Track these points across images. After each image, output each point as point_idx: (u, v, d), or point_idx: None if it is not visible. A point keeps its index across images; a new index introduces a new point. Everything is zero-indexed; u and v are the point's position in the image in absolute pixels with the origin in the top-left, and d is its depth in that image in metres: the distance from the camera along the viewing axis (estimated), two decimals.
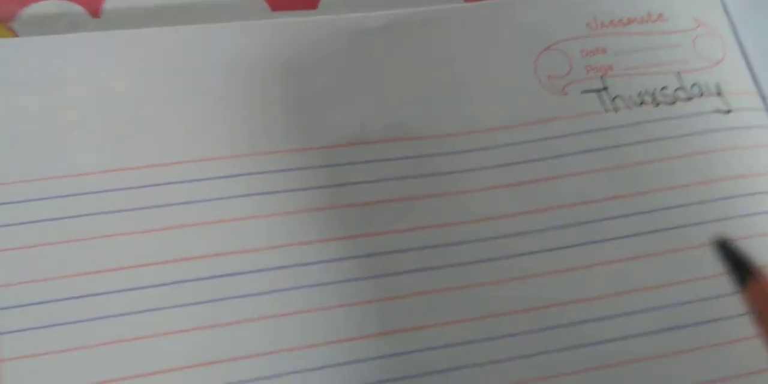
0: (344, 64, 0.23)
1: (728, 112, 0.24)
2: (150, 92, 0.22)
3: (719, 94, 0.25)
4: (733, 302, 0.21)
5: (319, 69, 0.23)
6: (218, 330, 0.20)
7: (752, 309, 0.14)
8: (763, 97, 0.25)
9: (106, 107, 0.22)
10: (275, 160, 0.22)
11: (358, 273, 0.21)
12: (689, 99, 0.24)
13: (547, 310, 0.21)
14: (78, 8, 0.24)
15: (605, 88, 0.24)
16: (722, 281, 0.21)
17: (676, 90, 0.25)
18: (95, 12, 0.24)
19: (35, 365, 0.19)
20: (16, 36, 0.23)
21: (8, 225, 0.20)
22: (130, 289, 0.20)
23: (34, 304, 0.20)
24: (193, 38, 0.23)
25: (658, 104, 0.24)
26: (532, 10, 0.25)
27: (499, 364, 0.21)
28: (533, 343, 0.21)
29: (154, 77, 0.23)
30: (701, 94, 0.25)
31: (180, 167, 0.22)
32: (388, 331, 0.20)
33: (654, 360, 0.21)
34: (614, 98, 0.24)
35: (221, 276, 0.21)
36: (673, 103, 0.24)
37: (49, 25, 0.23)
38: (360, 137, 0.23)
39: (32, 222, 0.20)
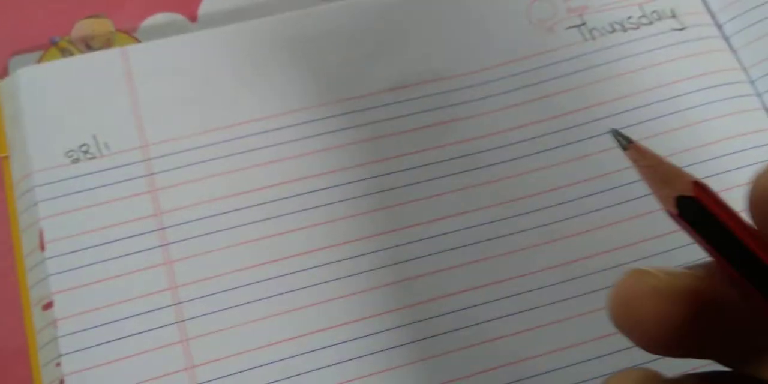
0: (379, 32, 0.31)
1: (682, 29, 0.31)
2: (244, 68, 0.30)
3: (674, 16, 0.32)
4: None
5: (362, 37, 0.31)
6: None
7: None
8: (711, 14, 0.32)
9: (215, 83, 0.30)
10: (338, 107, 0.30)
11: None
12: (650, 23, 0.31)
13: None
14: (180, 16, 0.32)
15: (584, 24, 0.31)
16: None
17: (640, 17, 0.32)
18: (193, 17, 0.32)
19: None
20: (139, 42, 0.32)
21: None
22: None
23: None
24: (269, 28, 0.31)
25: (626, 30, 0.31)
26: None
27: None
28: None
29: (242, 59, 0.30)
30: (659, 18, 0.32)
31: (285, 117, 0.30)
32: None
33: None
34: (591, 30, 0.31)
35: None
36: (638, 28, 0.31)
37: (163, 30, 0.32)
38: (399, 83, 0.30)
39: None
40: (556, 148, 0.29)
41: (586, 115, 0.29)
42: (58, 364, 0.25)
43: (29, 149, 0.28)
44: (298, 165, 0.29)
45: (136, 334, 0.26)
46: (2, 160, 0.30)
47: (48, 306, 0.26)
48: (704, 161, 0.29)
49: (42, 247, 0.27)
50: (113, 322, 0.26)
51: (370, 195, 0.28)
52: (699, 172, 0.17)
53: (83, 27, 0.33)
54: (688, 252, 0.23)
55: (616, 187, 0.28)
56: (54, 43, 0.32)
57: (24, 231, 0.28)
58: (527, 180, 0.29)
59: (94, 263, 0.26)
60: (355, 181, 0.28)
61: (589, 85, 0.30)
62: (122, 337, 0.25)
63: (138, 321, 0.26)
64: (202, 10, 0.33)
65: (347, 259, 0.27)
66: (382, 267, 0.27)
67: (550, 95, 0.30)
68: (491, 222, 0.28)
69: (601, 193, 0.28)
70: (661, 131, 0.29)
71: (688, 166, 0.29)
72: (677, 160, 0.16)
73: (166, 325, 0.26)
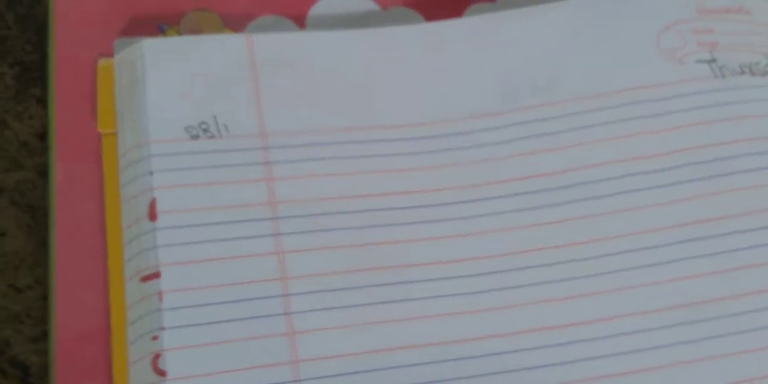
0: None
1: None
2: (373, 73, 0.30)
3: None
4: None
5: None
6: None
7: None
8: None
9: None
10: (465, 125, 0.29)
11: None
12: None
13: None
14: (287, 20, 0.32)
15: (714, 60, 0.31)
16: None
17: (766, 65, 0.31)
18: (301, 21, 0.32)
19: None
20: None
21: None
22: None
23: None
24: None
25: (754, 75, 0.31)
26: None
27: None
28: None
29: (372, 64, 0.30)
30: None
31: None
32: None
33: None
34: (721, 67, 0.31)
35: None
36: (765, 75, 0.31)
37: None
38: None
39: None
40: (678, 183, 0.28)
41: (713, 151, 0.29)
42: (155, 338, 0.24)
43: (149, 119, 0.27)
44: (413, 177, 0.28)
45: (241, 319, 0.24)
46: (103, 137, 0.29)
47: (150, 277, 0.25)
48: None
49: (152, 217, 0.26)
50: (219, 303, 0.24)
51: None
52: None
53: (191, 19, 0.32)
54: None
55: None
56: (162, 31, 0.32)
57: (126, 202, 0.27)
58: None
59: (205, 241, 0.25)
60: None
61: (720, 123, 0.30)
62: (227, 320, 0.24)
63: (246, 306, 0.24)
64: (312, 13, 0.33)
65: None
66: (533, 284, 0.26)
67: (681, 127, 0.29)
68: None
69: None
70: None
71: None
72: None
73: (273, 315, 0.24)
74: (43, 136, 0.30)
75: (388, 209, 0.27)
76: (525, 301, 0.26)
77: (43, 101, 0.31)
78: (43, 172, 0.29)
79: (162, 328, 0.24)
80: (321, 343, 0.24)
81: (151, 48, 0.29)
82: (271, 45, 0.30)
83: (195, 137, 0.27)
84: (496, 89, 0.30)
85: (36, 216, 0.29)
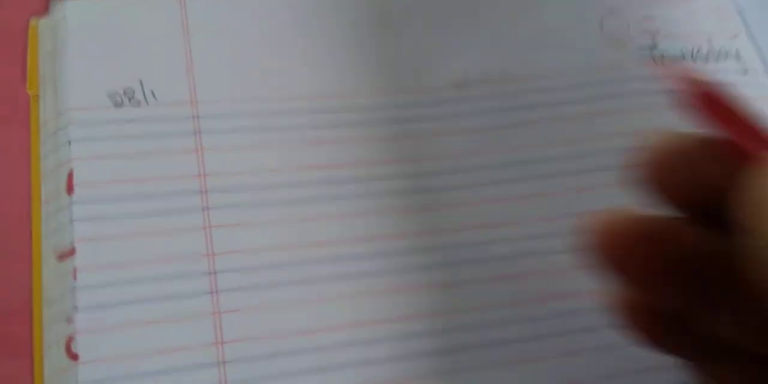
0: (450, 19, 0.30)
1: (745, 72, 0.31)
2: (310, 42, 0.28)
3: (738, 58, 0.32)
4: None
5: (430, 23, 0.30)
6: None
7: None
8: (764, 63, 0.33)
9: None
10: (400, 98, 0.28)
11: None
12: (717, 60, 0.31)
13: None
14: None
15: (655, 46, 0.31)
16: None
17: (707, 52, 0.31)
18: None
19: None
20: None
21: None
22: None
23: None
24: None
25: (695, 61, 0.31)
26: None
27: None
28: None
29: (309, 32, 0.29)
30: (726, 57, 0.31)
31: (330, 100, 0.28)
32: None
33: None
34: (662, 54, 0.31)
35: None
36: (706, 61, 0.31)
37: None
38: (463, 80, 0.29)
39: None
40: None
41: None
42: (70, 320, 0.22)
43: (68, 85, 0.25)
44: (348, 149, 0.27)
45: (163, 299, 0.23)
46: (31, 100, 0.27)
47: (67, 255, 0.23)
48: None
49: (69, 190, 0.24)
50: (139, 281, 0.23)
51: (424, 192, 0.27)
52: None
53: None
54: None
55: None
56: None
57: (47, 174, 0.25)
58: (590, 195, 0.27)
59: (126, 216, 0.24)
60: (411, 176, 0.27)
61: (660, 110, 0.29)
62: (147, 300, 0.23)
63: (168, 284, 0.23)
64: None
65: (388, 254, 0.25)
66: (427, 268, 0.25)
67: (624, 111, 0.29)
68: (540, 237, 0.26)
69: None
70: None
71: None
72: None
73: (198, 294, 0.23)
74: None
75: (319, 183, 0.26)
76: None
77: None
78: None
79: (76, 309, 0.22)
80: (247, 323, 0.23)
81: (75, 10, 0.27)
82: (207, 8, 0.28)
83: (119, 104, 0.25)
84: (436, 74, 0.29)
85: None
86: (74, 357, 0.22)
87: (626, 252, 0.16)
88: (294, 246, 0.24)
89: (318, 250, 0.25)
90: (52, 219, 0.24)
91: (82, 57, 0.26)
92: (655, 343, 0.18)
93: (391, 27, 0.29)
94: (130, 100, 0.26)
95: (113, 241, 0.23)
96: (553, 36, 0.30)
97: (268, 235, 0.24)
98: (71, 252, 0.23)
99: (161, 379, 0.22)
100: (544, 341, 0.24)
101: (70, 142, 0.24)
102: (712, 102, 0.16)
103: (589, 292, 0.20)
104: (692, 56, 0.31)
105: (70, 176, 0.24)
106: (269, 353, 0.23)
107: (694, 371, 0.19)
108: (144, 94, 0.26)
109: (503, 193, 0.27)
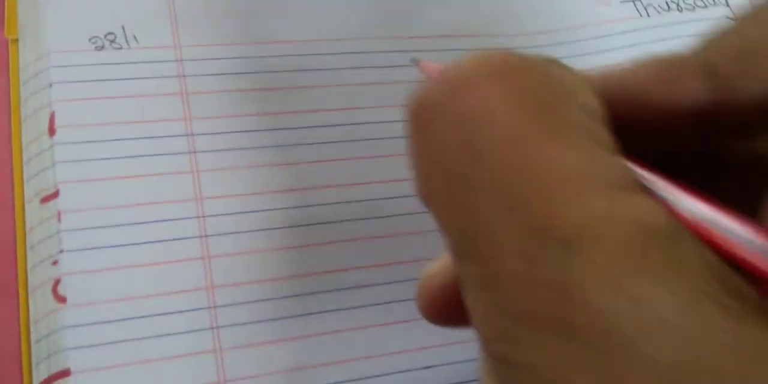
0: None
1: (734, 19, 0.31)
2: None
3: (726, 4, 0.32)
4: None
5: None
6: None
7: None
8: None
9: None
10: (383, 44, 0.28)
11: None
12: (705, 7, 0.31)
13: None
14: None
15: None
16: None
17: (693, 1, 0.31)
18: None
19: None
20: None
21: None
22: None
23: None
24: None
25: (681, 10, 0.31)
26: None
27: None
28: None
29: None
30: (714, 4, 0.31)
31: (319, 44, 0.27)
32: None
33: None
34: (647, 6, 0.30)
35: None
36: (693, 9, 0.31)
37: None
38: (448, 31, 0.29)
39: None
40: None
41: None
42: (55, 263, 0.22)
43: (48, 29, 0.25)
44: (322, 95, 0.26)
45: (152, 242, 0.22)
46: (10, 44, 0.26)
47: (49, 198, 0.23)
48: None
49: (51, 132, 0.23)
50: (126, 224, 0.22)
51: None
52: None
53: None
54: None
55: None
56: None
57: (28, 117, 0.24)
58: None
59: (110, 158, 0.23)
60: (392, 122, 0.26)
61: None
62: (135, 243, 0.22)
63: (156, 228, 0.22)
64: None
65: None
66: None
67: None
68: None
69: None
70: None
71: None
72: None
73: (188, 238, 0.23)
74: None
75: (301, 128, 0.25)
76: None
77: None
78: None
79: (61, 251, 0.22)
80: (236, 268, 0.23)
81: None
82: None
83: (100, 48, 0.25)
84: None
85: None
86: (62, 299, 0.21)
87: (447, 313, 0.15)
88: (268, 191, 0.24)
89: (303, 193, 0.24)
90: (34, 162, 0.23)
91: (64, 1, 0.25)
92: None
93: None
94: (111, 44, 0.25)
95: (97, 183, 0.23)
96: None
97: (247, 179, 0.24)
98: (54, 194, 0.23)
99: (152, 322, 0.21)
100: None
101: (51, 85, 0.24)
102: None
103: None
104: (679, 6, 0.31)
105: (51, 118, 0.23)
106: (256, 298, 0.23)
107: None
108: (126, 38, 0.25)
109: None
